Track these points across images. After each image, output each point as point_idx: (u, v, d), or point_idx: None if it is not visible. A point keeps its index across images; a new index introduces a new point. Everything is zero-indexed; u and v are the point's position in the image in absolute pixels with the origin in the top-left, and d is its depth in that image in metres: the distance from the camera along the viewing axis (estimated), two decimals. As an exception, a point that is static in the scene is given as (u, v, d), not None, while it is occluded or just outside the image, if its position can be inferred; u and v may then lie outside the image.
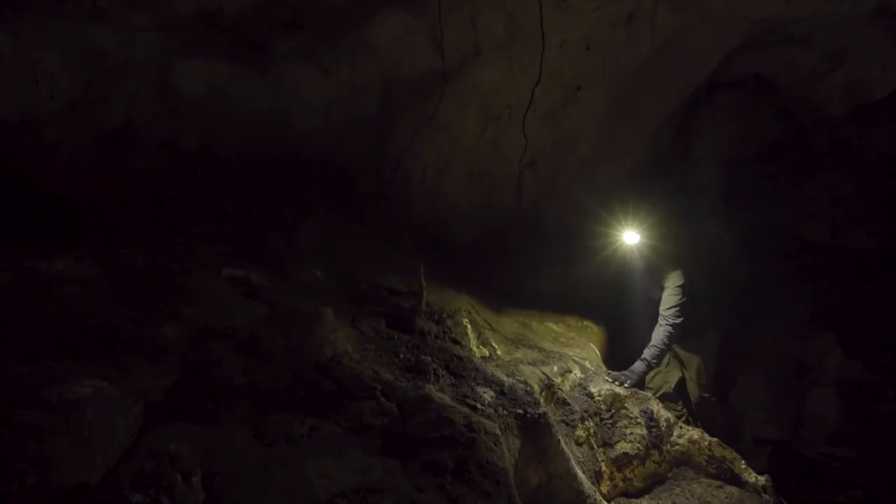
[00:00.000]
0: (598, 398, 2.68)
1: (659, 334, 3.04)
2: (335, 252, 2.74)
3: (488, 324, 2.87)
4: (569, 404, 2.57)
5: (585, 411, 2.60)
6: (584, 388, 2.72)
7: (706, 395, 3.74)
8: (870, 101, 5.16)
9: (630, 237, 3.28)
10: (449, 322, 2.55)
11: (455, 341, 2.44)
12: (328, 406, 1.70)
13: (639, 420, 2.68)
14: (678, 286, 3.07)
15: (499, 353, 2.74)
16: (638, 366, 2.97)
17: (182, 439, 1.40)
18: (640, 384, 3.00)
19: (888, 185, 5.72)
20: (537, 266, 3.62)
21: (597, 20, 3.58)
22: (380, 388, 1.80)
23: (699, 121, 5.44)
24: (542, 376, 2.54)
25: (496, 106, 3.75)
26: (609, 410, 2.68)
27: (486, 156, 3.85)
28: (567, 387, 2.69)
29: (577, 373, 2.78)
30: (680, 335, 3.09)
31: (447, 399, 1.83)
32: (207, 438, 1.47)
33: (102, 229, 2.42)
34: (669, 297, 3.07)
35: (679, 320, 3.03)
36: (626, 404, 2.71)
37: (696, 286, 3.18)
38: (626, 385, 2.82)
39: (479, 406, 1.92)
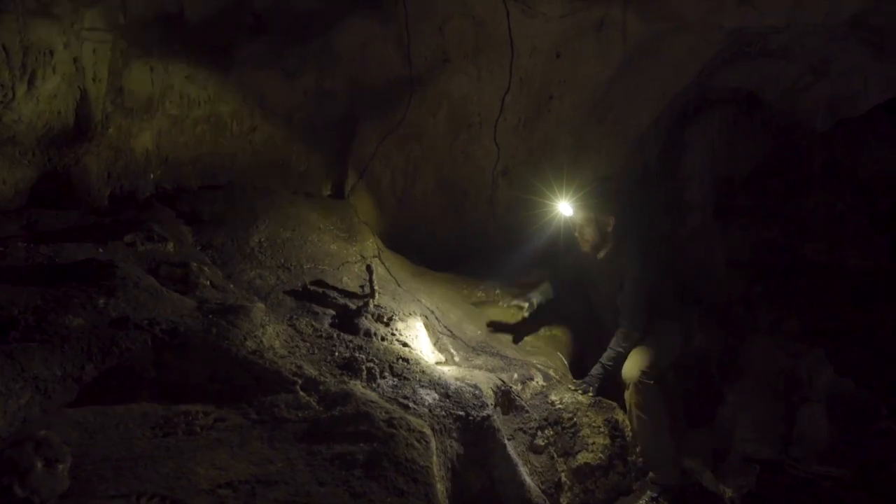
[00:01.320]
0: (560, 406, 2.55)
1: (616, 337, 2.89)
2: (287, 253, 2.66)
3: (448, 330, 2.77)
4: (528, 412, 2.45)
5: (545, 419, 2.47)
6: (546, 396, 2.59)
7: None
8: (854, 114, 5.10)
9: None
10: (400, 325, 2.45)
11: (404, 344, 2.34)
12: (241, 399, 1.60)
13: (602, 429, 2.54)
14: (637, 284, 2.90)
15: (456, 359, 2.63)
16: (596, 370, 2.82)
17: (63, 427, 1.30)
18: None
19: (884, 204, 5.62)
20: (509, 273, 3.52)
21: (566, 27, 3.56)
22: (300, 382, 1.70)
23: (688, 137, 5.39)
24: (500, 382, 2.42)
25: (467, 114, 3.71)
26: (571, 419, 2.54)
27: (457, 163, 3.80)
28: (528, 394, 2.56)
29: (539, 381, 2.66)
30: (640, 335, 2.91)
31: (372, 396, 1.72)
32: (96, 427, 1.37)
33: (46, 230, 2.37)
34: (627, 296, 2.91)
35: (638, 320, 2.87)
36: (588, 413, 2.57)
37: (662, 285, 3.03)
38: (588, 393, 2.68)
39: (411, 405, 1.81)
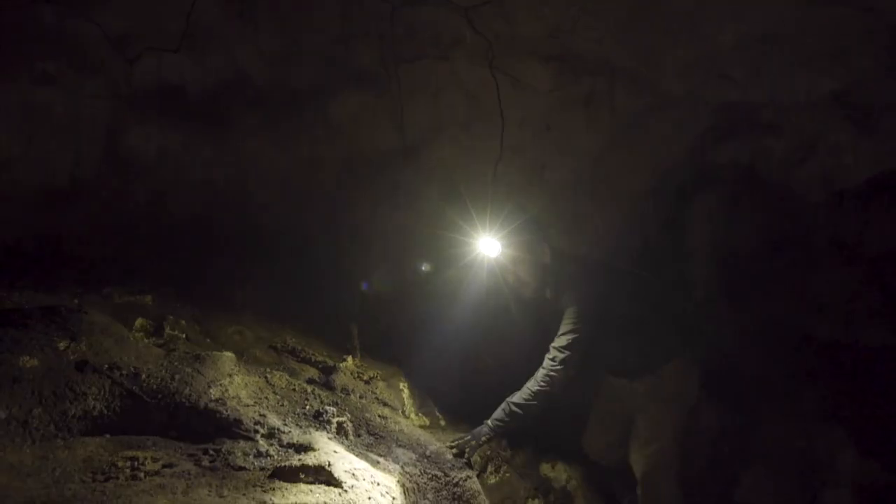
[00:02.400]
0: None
1: (537, 375, 2.32)
2: (273, 314, 2.61)
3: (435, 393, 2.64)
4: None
5: (536, 488, 2.28)
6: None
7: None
8: (849, 187, 5.13)
9: None
10: (381, 384, 2.35)
11: (384, 403, 2.23)
12: (196, 445, 1.49)
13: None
14: (575, 315, 2.42)
15: (442, 423, 2.49)
16: (498, 417, 2.24)
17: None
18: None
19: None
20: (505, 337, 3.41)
21: (554, 101, 3.68)
22: (262, 431, 1.59)
23: (688, 214, 5.40)
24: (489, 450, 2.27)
25: (460, 181, 3.77)
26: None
27: (450, 230, 3.81)
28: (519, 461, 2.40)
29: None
30: (572, 374, 2.36)
31: (338, 447, 1.60)
32: (31, 471, 1.27)
33: (36, 280, 2.36)
34: (562, 327, 2.40)
35: (566, 355, 2.31)
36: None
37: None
38: (464, 456, 2.11)
39: (381, 461, 1.68)
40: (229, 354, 1.92)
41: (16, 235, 2.55)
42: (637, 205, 4.69)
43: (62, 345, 1.67)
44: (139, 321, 2.14)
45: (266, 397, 1.85)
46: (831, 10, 2.78)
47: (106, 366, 1.66)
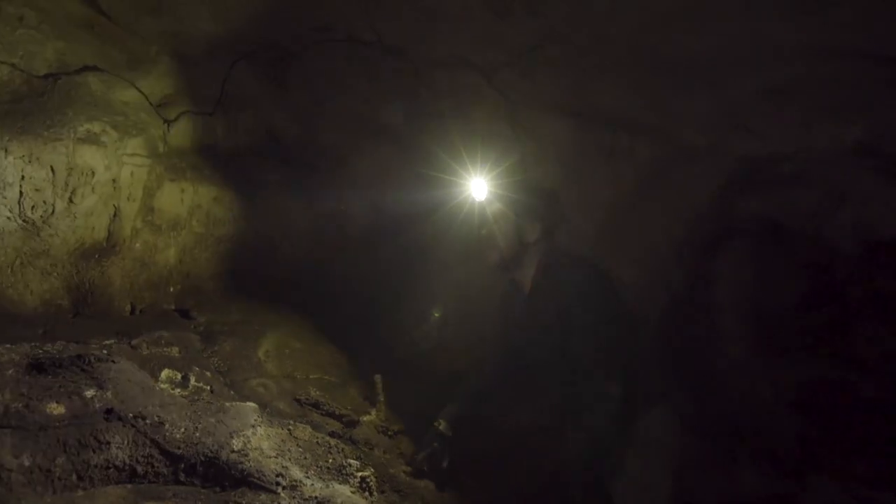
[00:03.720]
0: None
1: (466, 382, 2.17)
2: (295, 363, 2.60)
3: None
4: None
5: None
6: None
7: None
8: (882, 238, 4.99)
9: None
10: (405, 439, 2.28)
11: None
12: (217, 496, 1.45)
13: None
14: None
15: (470, 483, 2.39)
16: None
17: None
18: None
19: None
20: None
21: (575, 155, 3.74)
22: (284, 483, 1.55)
23: (716, 269, 5.30)
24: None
25: (483, 244, 3.79)
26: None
27: (475, 288, 3.80)
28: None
29: None
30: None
31: (361, 501, 1.55)
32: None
33: (66, 334, 2.40)
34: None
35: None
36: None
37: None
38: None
39: (407, 517, 1.62)
40: (252, 405, 1.90)
41: (53, 287, 2.62)
42: (662, 259, 4.63)
43: (89, 393, 1.67)
44: (165, 372, 2.15)
45: (289, 449, 1.81)
46: (852, 62, 2.80)
47: (131, 415, 1.65)
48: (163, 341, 2.36)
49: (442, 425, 2.01)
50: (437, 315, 3.14)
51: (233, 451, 1.63)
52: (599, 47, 2.79)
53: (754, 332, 5.40)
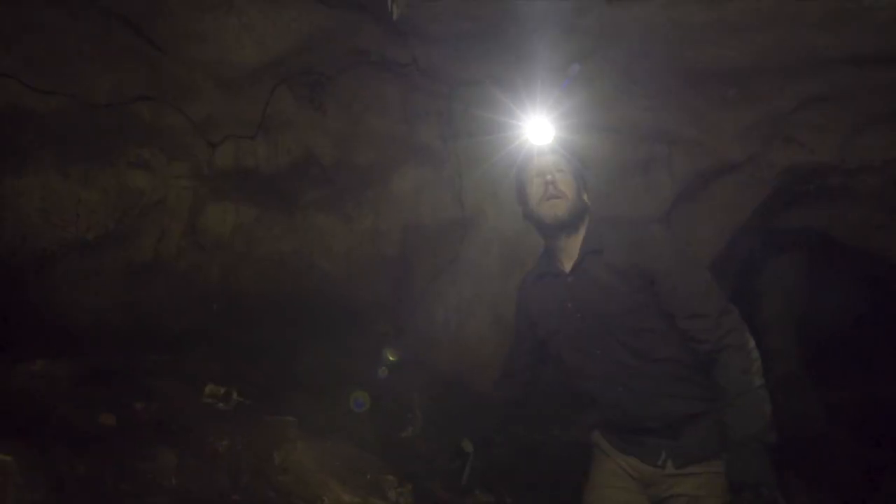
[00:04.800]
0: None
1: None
2: (335, 379, 2.64)
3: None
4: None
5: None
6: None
7: None
8: (944, 249, 4.75)
9: None
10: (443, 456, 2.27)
11: (445, 475, 2.15)
12: (257, 511, 1.48)
13: None
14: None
15: (508, 501, 2.36)
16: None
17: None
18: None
19: None
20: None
21: (613, 168, 3.71)
22: (326, 499, 1.57)
23: (761, 283, 5.14)
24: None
25: (520, 252, 3.78)
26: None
27: (511, 302, 3.78)
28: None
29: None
30: None
31: (400, 515, 1.55)
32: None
33: (117, 349, 2.50)
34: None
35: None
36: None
37: None
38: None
39: (444, 533, 1.61)
40: (293, 420, 1.93)
41: (105, 305, 2.73)
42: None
43: (138, 405, 1.74)
44: (209, 387, 2.21)
45: (328, 464, 1.83)
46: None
47: (176, 427, 1.71)
48: (207, 357, 2.42)
49: (464, 443, 1.93)
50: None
51: (274, 465, 1.66)
52: (634, 62, 2.79)
53: (803, 349, 5.16)
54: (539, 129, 2.06)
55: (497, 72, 3.06)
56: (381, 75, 3.21)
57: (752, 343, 1.55)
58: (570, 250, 1.69)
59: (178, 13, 2.59)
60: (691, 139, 3.49)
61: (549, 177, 1.67)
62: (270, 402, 2.37)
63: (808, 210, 4.59)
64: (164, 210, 2.81)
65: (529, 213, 1.73)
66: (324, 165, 3.41)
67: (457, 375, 3.47)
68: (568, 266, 1.69)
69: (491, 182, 3.62)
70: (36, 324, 2.45)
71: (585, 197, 1.73)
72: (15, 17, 2.25)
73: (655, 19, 2.43)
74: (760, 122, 3.20)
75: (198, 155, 2.90)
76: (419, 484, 1.95)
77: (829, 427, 4.54)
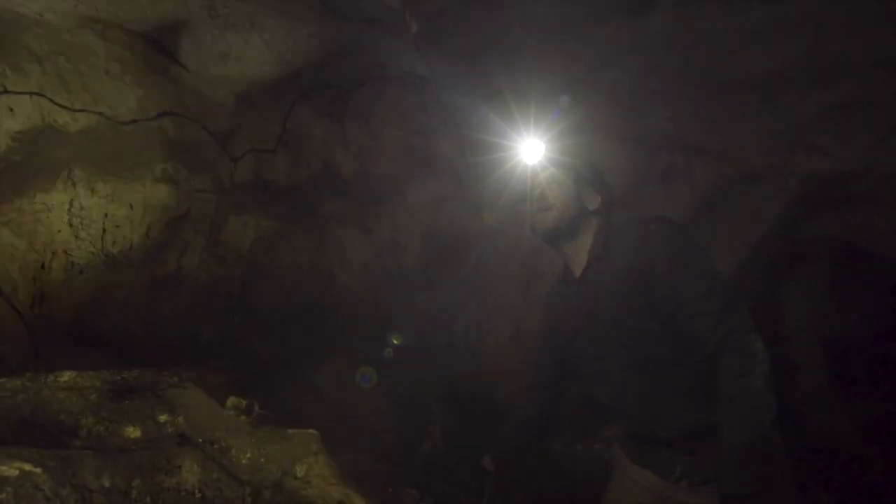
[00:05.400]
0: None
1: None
2: (353, 391, 2.64)
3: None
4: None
5: None
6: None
7: None
8: (973, 258, 4.63)
9: None
10: (464, 468, 2.26)
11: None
12: (280, 524, 1.48)
13: None
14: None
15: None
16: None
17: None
18: None
19: None
20: (592, 428, 3.23)
21: (631, 177, 3.69)
22: (347, 511, 1.56)
23: (784, 293, 5.04)
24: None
25: (539, 263, 3.77)
26: None
27: (531, 315, 3.76)
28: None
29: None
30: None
31: (423, 530, 1.54)
32: (127, 541, 1.30)
33: (141, 361, 2.53)
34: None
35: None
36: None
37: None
38: None
39: (467, 548, 1.59)
40: (314, 433, 1.93)
41: (129, 317, 2.78)
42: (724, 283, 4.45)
43: (162, 418, 1.75)
44: (231, 399, 2.22)
45: (350, 477, 1.82)
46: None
47: (200, 440, 1.72)
48: (229, 369, 2.44)
49: (486, 461, 1.90)
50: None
51: (296, 478, 1.66)
52: (653, 71, 2.77)
53: (831, 360, 5.04)
54: (534, 143, 2.02)
55: (515, 83, 3.07)
56: (399, 88, 3.24)
57: (757, 345, 1.46)
58: (578, 257, 1.68)
59: (202, 31, 2.65)
60: (711, 148, 3.46)
61: (538, 190, 1.69)
62: (291, 414, 2.38)
63: (833, 218, 4.49)
64: (188, 223, 2.85)
65: (529, 224, 1.75)
66: (343, 178, 3.44)
67: (477, 388, 3.45)
68: (578, 272, 1.69)
69: (509, 193, 3.62)
70: (63, 336, 2.50)
71: (591, 202, 1.70)
72: (50, 39, 2.31)
73: (674, 28, 2.41)
74: (783, 129, 3.16)
75: (220, 169, 2.94)
76: (440, 497, 1.93)
77: (861, 443, 4.42)
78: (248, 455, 1.70)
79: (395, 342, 3.26)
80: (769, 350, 1.50)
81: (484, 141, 3.32)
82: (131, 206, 2.66)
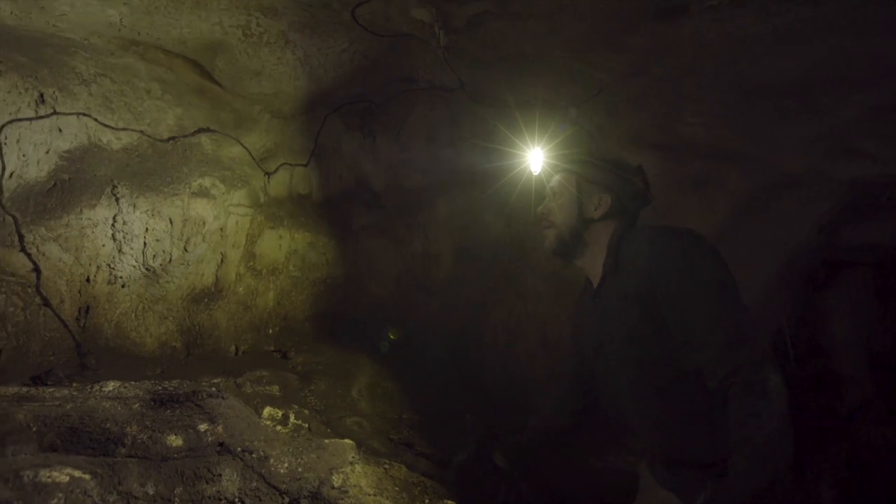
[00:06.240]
0: None
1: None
2: (388, 402, 2.64)
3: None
4: None
5: None
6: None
7: None
8: None
9: None
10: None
11: (502, 501, 2.10)
12: (318, 534, 1.48)
13: None
14: None
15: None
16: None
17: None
18: None
19: None
20: (623, 439, 3.16)
21: (663, 186, 3.63)
22: (383, 521, 1.56)
23: (826, 303, 4.89)
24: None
25: (568, 272, 3.73)
26: None
27: (561, 323, 3.73)
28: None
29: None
30: None
31: (460, 541, 1.52)
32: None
33: (180, 372, 2.59)
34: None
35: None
36: None
37: None
38: None
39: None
40: (350, 443, 1.94)
41: (168, 330, 2.84)
42: (764, 294, 4.34)
43: (202, 427, 1.78)
44: (267, 409, 2.25)
45: (386, 488, 1.83)
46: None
47: (239, 449, 1.74)
48: (264, 380, 2.48)
49: (496, 456, 1.86)
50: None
51: (333, 488, 1.67)
52: (685, 77, 2.74)
53: (877, 375, 4.86)
54: (537, 155, 2.00)
55: (544, 93, 3.07)
56: (429, 101, 3.27)
57: (773, 382, 1.30)
58: (592, 269, 1.64)
59: (237, 50, 2.72)
60: (747, 154, 3.40)
61: (540, 208, 1.68)
62: (328, 424, 2.40)
63: (876, 225, 4.34)
64: (224, 237, 2.92)
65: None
66: (374, 191, 3.49)
67: (507, 399, 3.43)
68: (595, 281, 1.66)
69: (541, 202, 3.61)
70: (108, 347, 2.58)
71: (595, 208, 1.62)
72: (95, 61, 2.41)
73: (706, 33, 2.39)
74: (822, 133, 3.08)
75: (255, 183, 3.01)
76: (476, 509, 1.92)
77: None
78: (286, 464, 1.72)
79: (426, 353, 3.27)
80: (810, 362, 1.42)
81: (510, 153, 3.33)
82: (171, 220, 2.74)
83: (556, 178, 1.73)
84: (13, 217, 2.26)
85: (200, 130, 2.82)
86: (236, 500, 1.61)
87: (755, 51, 2.51)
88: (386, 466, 1.99)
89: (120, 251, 2.62)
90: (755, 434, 1.29)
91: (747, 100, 2.95)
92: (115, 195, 2.55)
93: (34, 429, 1.59)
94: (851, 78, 2.49)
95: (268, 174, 3.09)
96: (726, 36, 2.37)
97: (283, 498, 1.63)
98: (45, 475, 1.33)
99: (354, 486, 1.73)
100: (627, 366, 1.53)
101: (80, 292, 2.48)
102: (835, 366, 4.84)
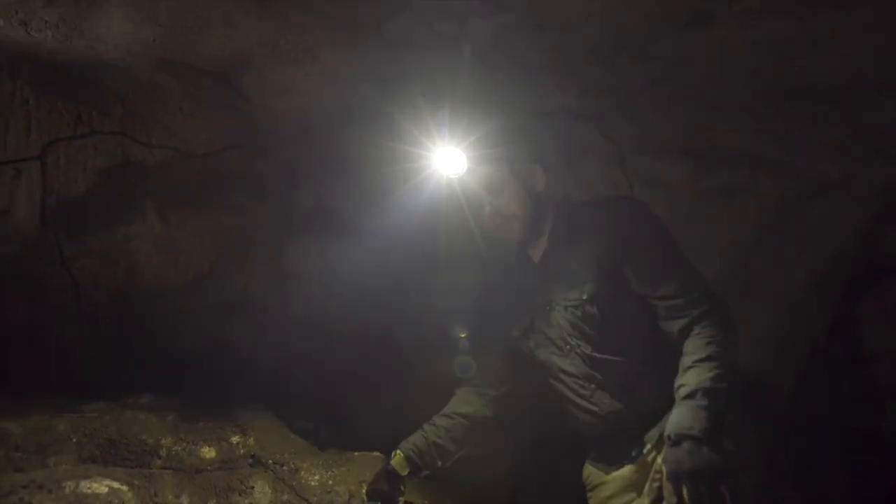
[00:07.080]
0: None
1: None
2: (410, 418, 2.64)
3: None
4: None
5: None
6: None
7: None
8: None
9: None
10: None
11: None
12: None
13: None
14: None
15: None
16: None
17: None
18: None
19: None
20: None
21: (691, 195, 3.58)
22: (414, 535, 1.55)
23: (865, 312, 4.77)
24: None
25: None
26: None
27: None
28: None
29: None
30: None
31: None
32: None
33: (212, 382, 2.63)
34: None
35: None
36: None
37: None
38: None
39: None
40: (379, 455, 1.95)
41: (196, 343, 2.89)
42: (799, 303, 4.23)
43: (235, 439, 1.81)
44: (298, 422, 2.28)
45: (416, 501, 1.82)
46: None
47: (271, 461, 1.76)
48: (294, 392, 2.50)
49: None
50: None
51: (364, 501, 1.67)
52: (714, 84, 2.71)
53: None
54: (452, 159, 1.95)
55: (568, 102, 3.06)
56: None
57: (731, 340, 1.51)
58: (539, 248, 1.75)
59: (266, 66, 2.78)
60: (779, 160, 3.32)
61: (487, 207, 1.71)
62: (356, 437, 2.41)
63: (916, 231, 4.22)
64: (253, 250, 2.97)
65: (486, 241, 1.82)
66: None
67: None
68: (536, 256, 1.73)
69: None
70: (142, 359, 2.63)
71: (536, 184, 1.73)
72: (130, 80, 2.49)
73: (735, 39, 2.36)
74: (858, 138, 3.01)
75: (282, 197, 3.05)
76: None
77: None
78: (317, 477, 1.73)
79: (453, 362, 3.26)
80: (848, 370, 1.49)
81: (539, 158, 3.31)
82: (201, 234, 2.79)
83: (489, 172, 1.77)
84: (54, 233, 2.34)
85: (230, 146, 2.88)
86: (268, 512, 1.62)
87: (786, 55, 2.47)
88: (417, 479, 1.98)
89: (153, 265, 2.68)
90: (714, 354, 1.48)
91: (778, 105, 2.90)
92: (148, 210, 2.62)
93: (74, 440, 1.63)
94: (884, 80, 2.43)
95: (295, 188, 3.13)
96: (756, 41, 2.34)
97: (314, 512, 1.63)
98: (85, 486, 1.36)
99: (385, 500, 1.73)
100: (573, 329, 1.65)
101: (117, 307, 2.54)
102: (874, 376, 4.70)
